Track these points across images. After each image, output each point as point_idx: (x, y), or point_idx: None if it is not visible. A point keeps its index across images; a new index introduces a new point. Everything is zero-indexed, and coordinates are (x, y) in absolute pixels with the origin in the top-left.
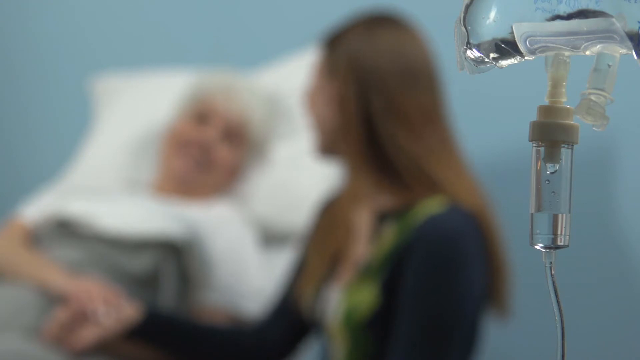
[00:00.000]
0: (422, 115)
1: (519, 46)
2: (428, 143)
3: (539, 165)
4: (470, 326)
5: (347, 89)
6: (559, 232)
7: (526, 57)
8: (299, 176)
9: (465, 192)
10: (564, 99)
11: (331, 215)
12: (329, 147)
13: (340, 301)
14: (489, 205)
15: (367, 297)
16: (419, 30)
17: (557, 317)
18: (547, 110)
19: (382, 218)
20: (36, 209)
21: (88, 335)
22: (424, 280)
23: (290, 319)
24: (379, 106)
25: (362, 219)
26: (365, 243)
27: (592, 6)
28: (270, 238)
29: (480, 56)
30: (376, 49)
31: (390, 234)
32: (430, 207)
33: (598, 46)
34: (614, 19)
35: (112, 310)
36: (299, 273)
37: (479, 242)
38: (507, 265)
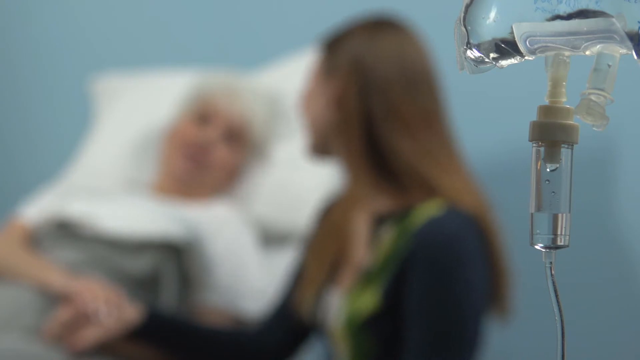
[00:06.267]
0: (421, 119)
1: (519, 46)
2: (426, 146)
3: (539, 165)
4: (474, 329)
5: (347, 89)
6: (559, 232)
7: (526, 57)
8: (299, 177)
9: (464, 195)
10: (564, 99)
11: (330, 219)
12: (322, 147)
13: (341, 306)
14: (488, 206)
15: (368, 301)
16: (419, 34)
17: (557, 317)
18: (547, 110)
19: (380, 221)
20: (36, 209)
21: (89, 335)
22: (428, 290)
23: (291, 323)
24: (378, 108)
25: (361, 222)
26: (364, 247)
27: (592, 6)
28: (270, 238)
29: (480, 56)
30: (378, 52)
31: (389, 238)
32: (429, 210)
33: (598, 46)
34: (614, 19)
35: (113, 310)
36: (299, 277)
37: (479, 244)
38: (508, 266)
